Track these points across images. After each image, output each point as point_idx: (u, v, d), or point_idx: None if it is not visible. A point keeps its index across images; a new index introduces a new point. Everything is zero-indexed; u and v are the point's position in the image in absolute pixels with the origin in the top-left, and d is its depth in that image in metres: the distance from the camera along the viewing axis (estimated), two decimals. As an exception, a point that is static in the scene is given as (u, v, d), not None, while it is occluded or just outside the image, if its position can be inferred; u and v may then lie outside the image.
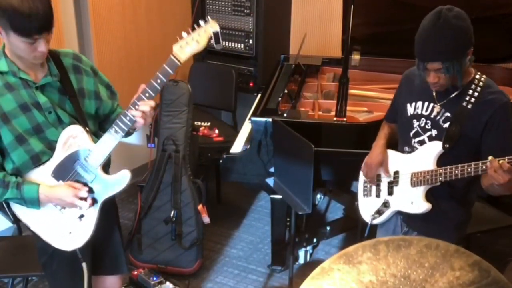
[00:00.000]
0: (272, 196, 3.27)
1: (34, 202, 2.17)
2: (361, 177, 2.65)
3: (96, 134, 2.29)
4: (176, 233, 3.51)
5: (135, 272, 3.41)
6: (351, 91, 3.40)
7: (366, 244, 1.00)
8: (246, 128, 3.47)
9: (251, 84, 4.52)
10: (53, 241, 2.25)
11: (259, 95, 3.75)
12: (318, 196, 4.28)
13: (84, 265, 2.27)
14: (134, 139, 4.50)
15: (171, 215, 3.50)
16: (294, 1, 4.69)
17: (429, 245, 0.99)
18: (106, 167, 2.31)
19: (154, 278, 3.33)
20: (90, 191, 2.21)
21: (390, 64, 3.87)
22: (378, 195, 2.54)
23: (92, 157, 2.19)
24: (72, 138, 2.18)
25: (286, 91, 3.55)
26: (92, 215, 2.23)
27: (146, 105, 2.13)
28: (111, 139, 2.18)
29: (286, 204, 3.15)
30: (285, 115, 3.17)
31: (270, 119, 3.11)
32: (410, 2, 3.48)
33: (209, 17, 2.12)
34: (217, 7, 4.52)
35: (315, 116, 3.32)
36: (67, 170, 2.20)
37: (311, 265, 3.60)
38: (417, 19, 3.84)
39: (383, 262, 0.96)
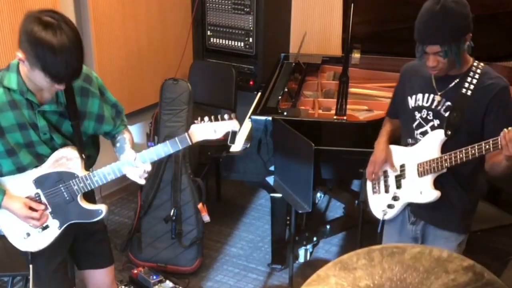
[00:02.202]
0: (272, 194, 3.28)
1: None
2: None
3: (88, 149, 2.32)
4: (176, 231, 3.51)
5: (135, 271, 3.40)
6: (351, 90, 3.39)
7: (359, 252, 1.02)
8: (246, 127, 3.46)
9: (251, 83, 4.52)
10: (9, 235, 2.29)
11: (259, 94, 3.75)
12: (318, 194, 4.28)
13: (31, 267, 2.31)
14: (134, 137, 4.50)
15: (171, 213, 3.50)
16: (294, -1, 4.69)
17: (422, 251, 1.01)
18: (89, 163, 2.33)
19: (154, 277, 3.32)
20: (46, 208, 2.25)
21: (390, 63, 3.86)
22: (386, 191, 2.56)
23: (77, 183, 2.22)
24: (66, 159, 2.21)
25: (286, 89, 3.54)
26: (55, 231, 2.28)
27: (141, 168, 2.21)
28: (100, 177, 2.22)
29: (286, 202, 3.15)
30: (285, 113, 3.16)
31: (270, 118, 3.11)
32: (411, 0, 3.47)
33: (233, 115, 2.20)
34: (217, 6, 4.51)
35: (315, 115, 3.32)
36: (50, 184, 2.23)
37: (311, 263, 3.60)
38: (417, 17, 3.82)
39: (379, 268, 0.98)
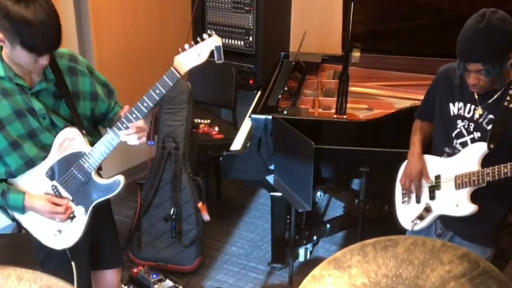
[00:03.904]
0: (272, 193, 3.27)
1: (18, 210, 2.19)
2: (398, 186, 2.60)
3: (91, 134, 2.27)
4: (176, 230, 3.51)
5: (135, 270, 3.40)
6: (351, 88, 3.39)
7: (353, 248, 1.01)
8: (246, 126, 3.46)
9: (251, 82, 4.51)
10: (42, 238, 2.25)
11: (259, 93, 3.74)
12: (318, 193, 4.27)
13: (73, 264, 2.26)
14: (134, 136, 4.50)
15: (171, 212, 3.50)
16: (294, -2, 4.68)
17: (415, 243, 1.00)
18: (99, 170, 2.30)
19: (154, 276, 3.32)
20: (71, 200, 2.22)
21: (390, 62, 3.86)
22: (418, 201, 2.50)
23: (87, 160, 2.19)
24: (68, 140, 2.18)
25: (286, 88, 3.54)
26: (83, 218, 2.24)
27: (133, 127, 2.13)
28: (107, 143, 2.17)
29: (286, 201, 3.15)
30: (285, 112, 3.16)
31: (270, 117, 3.10)
32: (411, -1, 3.48)
33: (212, 31, 2.13)
34: (217, 4, 4.51)
35: (315, 114, 3.32)
36: (62, 171, 2.20)
37: (311, 263, 3.60)
38: (417, 16, 3.85)
39: (373, 264, 0.97)
